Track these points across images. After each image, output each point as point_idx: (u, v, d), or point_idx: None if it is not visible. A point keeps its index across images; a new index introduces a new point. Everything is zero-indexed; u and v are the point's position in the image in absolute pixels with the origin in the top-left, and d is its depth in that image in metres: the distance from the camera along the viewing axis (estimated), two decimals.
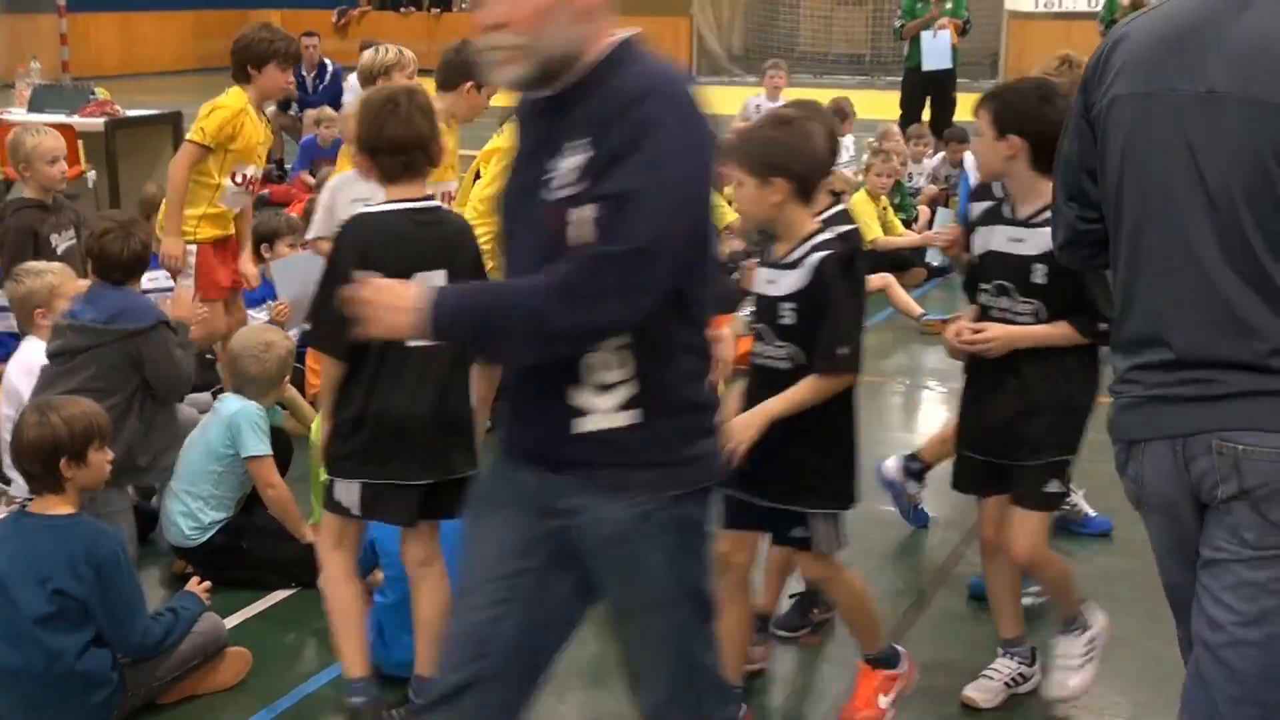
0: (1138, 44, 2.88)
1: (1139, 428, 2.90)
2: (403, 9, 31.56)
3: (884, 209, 10.64)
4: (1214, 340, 2.77)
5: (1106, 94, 2.91)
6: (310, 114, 13.63)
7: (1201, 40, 2.77)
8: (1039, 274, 4.22)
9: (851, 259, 4.06)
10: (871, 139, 12.09)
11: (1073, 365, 4.28)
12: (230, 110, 6.67)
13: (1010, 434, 4.33)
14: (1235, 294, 2.74)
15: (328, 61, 16.15)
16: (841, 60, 31.16)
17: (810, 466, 4.11)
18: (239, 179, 6.79)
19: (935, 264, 10.95)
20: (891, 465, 6.03)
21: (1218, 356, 2.77)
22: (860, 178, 10.95)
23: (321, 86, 15.75)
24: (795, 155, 3.99)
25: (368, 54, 6.44)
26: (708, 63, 31.40)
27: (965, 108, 16.32)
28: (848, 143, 12.75)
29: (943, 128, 14.05)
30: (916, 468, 5.97)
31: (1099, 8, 16.48)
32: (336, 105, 13.92)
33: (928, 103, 15.24)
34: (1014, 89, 4.37)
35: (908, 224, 11.28)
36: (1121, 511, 5.89)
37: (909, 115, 15.07)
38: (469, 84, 6.12)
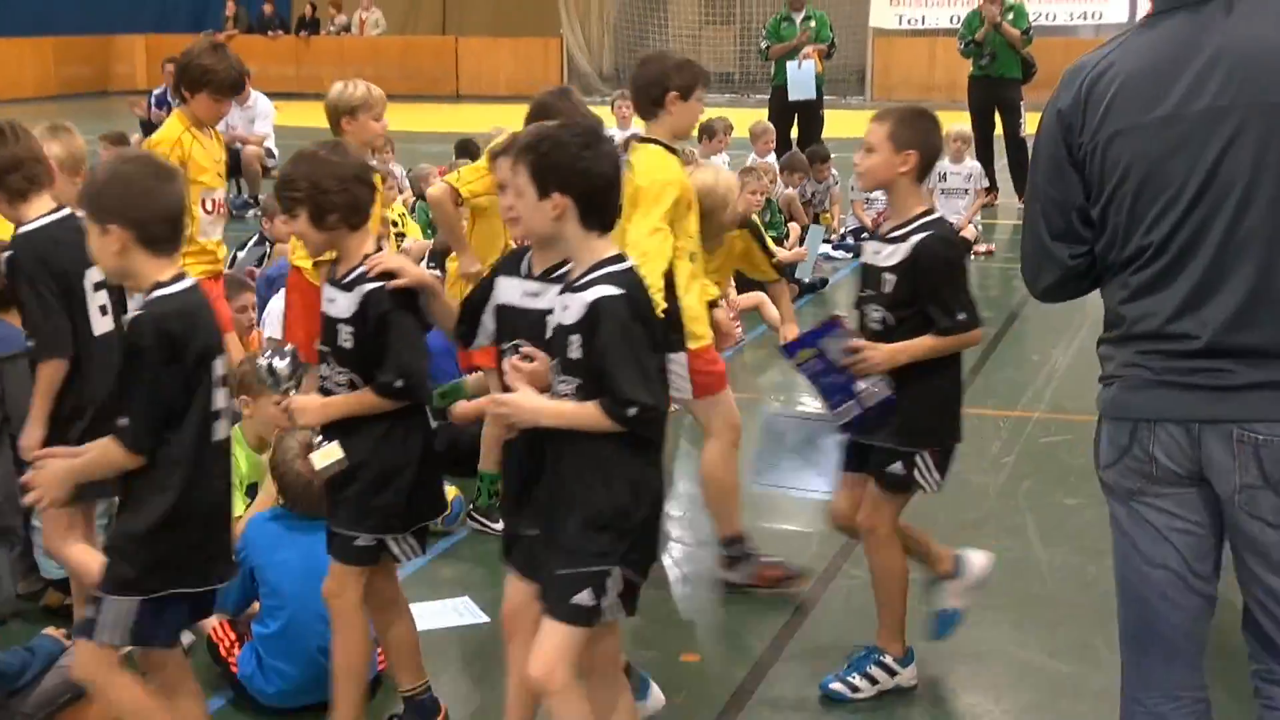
0: (1123, 80, 3.04)
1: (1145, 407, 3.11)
2: (271, 33, 31.27)
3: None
4: (1246, 333, 2.99)
5: (1097, 134, 3.06)
6: None
7: (1185, 61, 2.98)
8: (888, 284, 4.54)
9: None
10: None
11: (932, 361, 4.54)
12: (167, 142, 6.22)
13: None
14: (1270, 291, 2.98)
15: None
16: (711, 79, 31.37)
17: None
18: (208, 205, 6.32)
19: (806, 281, 11.08)
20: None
21: (1242, 346, 3.00)
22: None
23: None
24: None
25: (336, 86, 6.20)
26: (579, 83, 31.44)
27: (833, 126, 16.59)
28: (720, 160, 12.88)
29: (809, 145, 14.24)
30: None
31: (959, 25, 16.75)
32: None
33: (795, 120, 15.42)
34: (908, 111, 4.64)
35: (778, 241, 11.40)
36: (989, 524, 6.03)
37: (777, 134, 15.23)
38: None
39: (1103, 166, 3.08)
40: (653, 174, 5.15)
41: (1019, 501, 6.36)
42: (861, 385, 4.57)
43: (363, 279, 4.01)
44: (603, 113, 15.58)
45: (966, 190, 13.01)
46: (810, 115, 15.34)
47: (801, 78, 15.03)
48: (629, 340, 3.45)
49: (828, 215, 13.27)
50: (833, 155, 13.49)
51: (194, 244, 6.08)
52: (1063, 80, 3.15)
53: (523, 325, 3.80)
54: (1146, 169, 3.03)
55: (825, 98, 15.63)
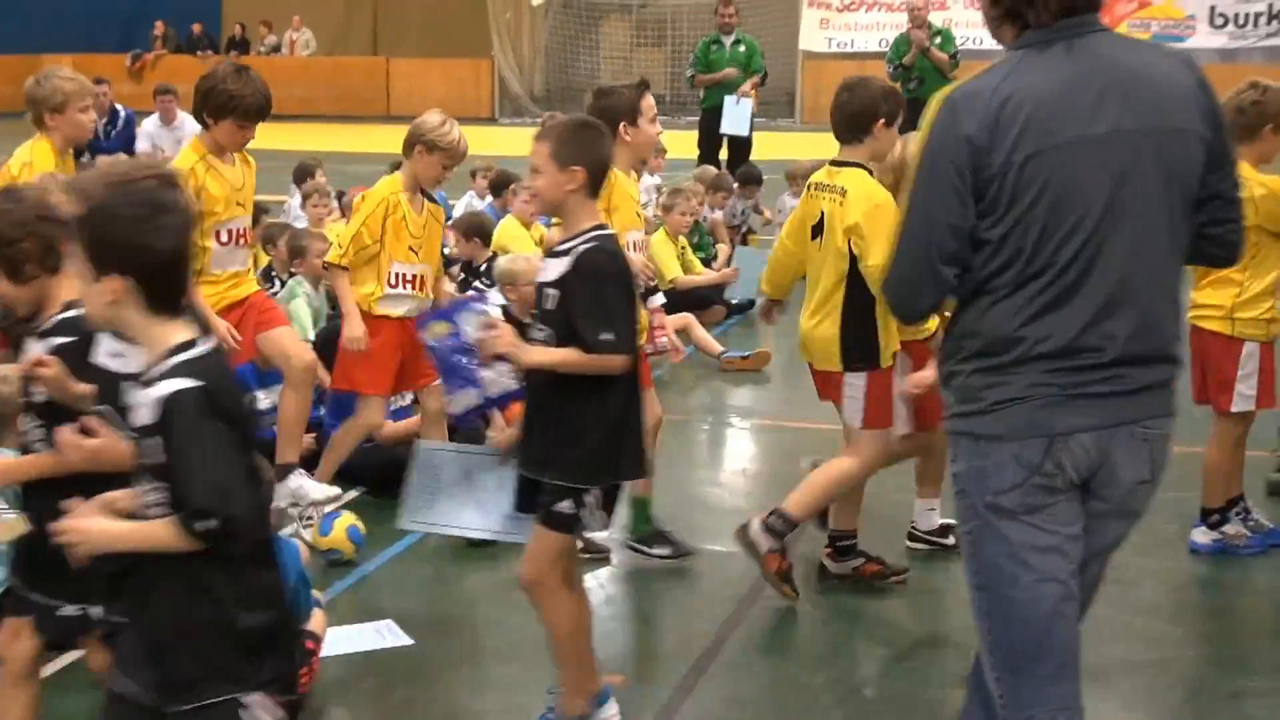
0: (1035, 105, 3.12)
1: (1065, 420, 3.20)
2: (200, 53, 31.08)
3: (683, 249, 10.79)
4: (1144, 340, 3.19)
5: (1012, 158, 3.12)
6: (104, 162, 13.34)
7: (1085, 88, 3.13)
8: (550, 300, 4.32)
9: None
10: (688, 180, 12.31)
11: (582, 390, 4.25)
12: (180, 173, 5.95)
13: (531, 447, 4.39)
14: (1163, 301, 3.23)
15: (120, 108, 15.81)
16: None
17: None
18: (224, 237, 6.08)
19: (734, 302, 11.14)
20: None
21: (1141, 353, 3.19)
22: (660, 216, 11.09)
23: (114, 133, 15.42)
24: None
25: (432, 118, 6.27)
26: (510, 104, 31.50)
27: (762, 149, 16.64)
28: (653, 182, 12.93)
29: (738, 167, 14.32)
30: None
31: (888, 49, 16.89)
32: (130, 152, 13.66)
33: (724, 142, 15.49)
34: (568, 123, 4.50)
35: (706, 263, 11.45)
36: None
37: (707, 155, 15.32)
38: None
39: (1015, 188, 3.14)
40: (873, 196, 5.38)
41: None
42: (488, 373, 4.37)
43: (60, 327, 3.70)
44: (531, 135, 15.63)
45: None
46: (739, 139, 15.42)
47: (738, 114, 15.09)
48: (204, 441, 2.94)
49: (755, 236, 13.33)
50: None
51: (209, 275, 6.02)
52: (957, 103, 3.17)
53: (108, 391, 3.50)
54: (1060, 189, 3.12)
55: (755, 119, 15.71)
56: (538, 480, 4.32)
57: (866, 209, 5.33)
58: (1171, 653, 5.33)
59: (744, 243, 12.86)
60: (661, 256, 10.48)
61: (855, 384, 5.50)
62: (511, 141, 16.79)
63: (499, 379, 4.39)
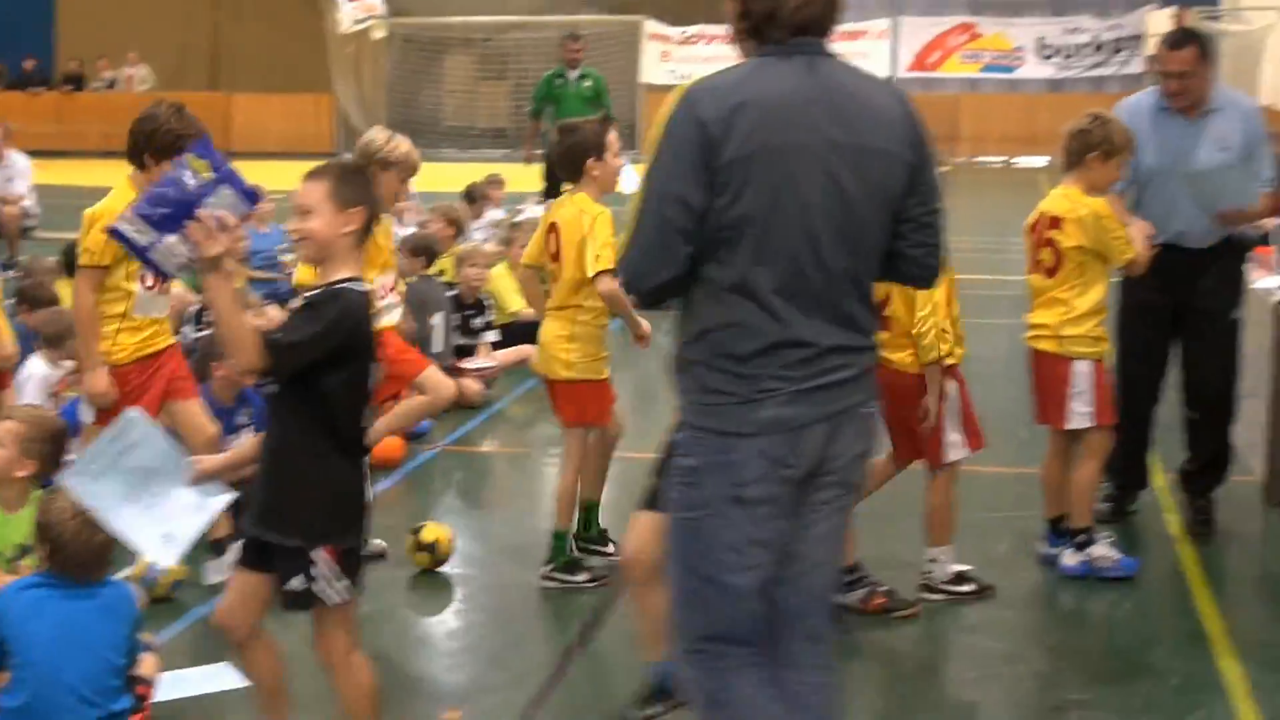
0: (765, 105, 3.40)
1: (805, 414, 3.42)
2: (32, 89, 30.45)
3: None
4: (849, 332, 3.48)
5: (744, 148, 3.36)
6: None
7: (809, 100, 3.41)
8: None
9: None
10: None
11: (307, 450, 4.08)
12: (110, 214, 5.49)
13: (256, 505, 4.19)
14: (859, 296, 3.51)
15: None
16: (486, 134, 31.52)
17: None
18: (149, 281, 5.85)
19: None
20: None
21: (849, 343, 3.48)
22: (502, 250, 11.12)
23: None
24: None
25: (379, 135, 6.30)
26: (352, 139, 31.16)
27: None
28: (495, 215, 12.96)
29: None
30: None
31: None
32: None
33: None
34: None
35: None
36: None
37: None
38: None
39: (743, 179, 3.38)
40: None
41: None
42: (173, 239, 3.92)
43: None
44: None
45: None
46: None
47: (630, 176, 15.15)
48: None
49: None
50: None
51: (128, 320, 5.86)
52: (696, 96, 3.40)
53: None
54: (776, 189, 3.39)
55: None
56: (265, 542, 4.10)
57: None
58: (996, 669, 5.44)
59: None
60: (503, 289, 10.51)
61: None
62: None
63: (177, 251, 3.93)
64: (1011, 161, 26.35)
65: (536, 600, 6.09)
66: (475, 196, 13.40)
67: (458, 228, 10.97)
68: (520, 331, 10.31)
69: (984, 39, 28.17)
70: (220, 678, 5.25)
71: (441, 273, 10.14)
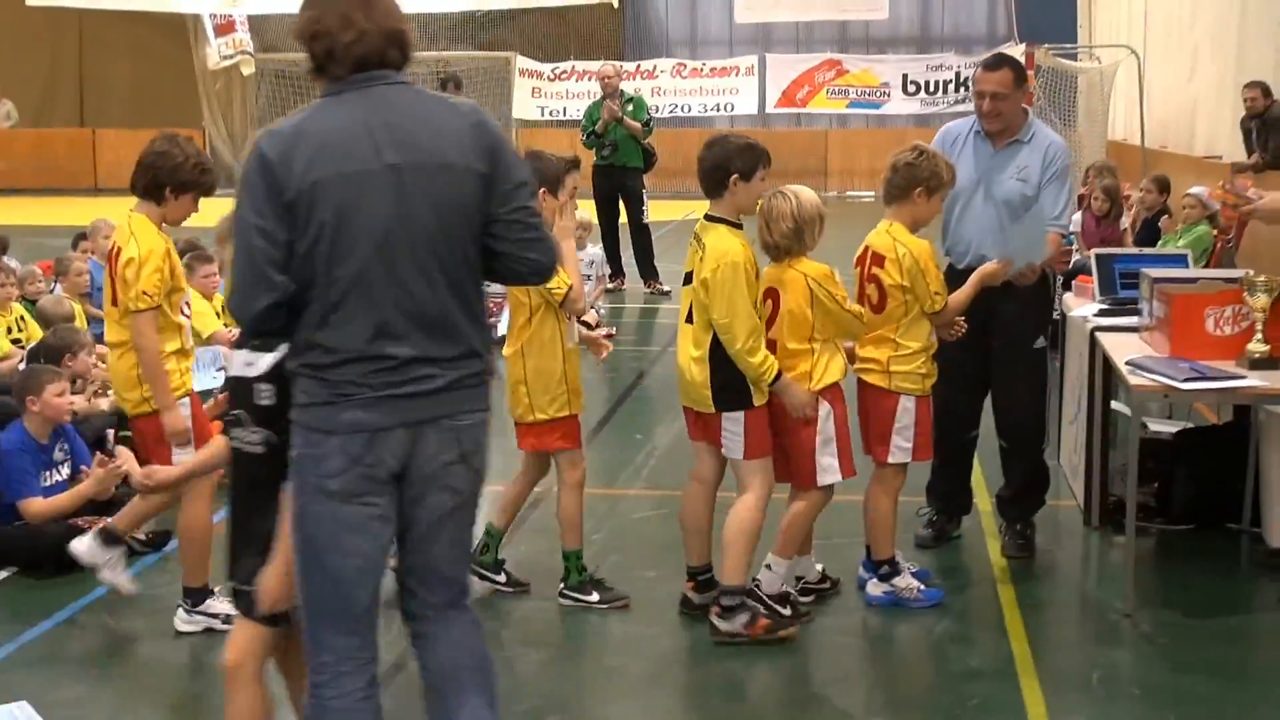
0: (321, 138, 3.72)
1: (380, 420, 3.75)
2: None
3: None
4: (438, 344, 3.78)
5: (305, 179, 3.68)
6: None
7: (371, 129, 3.73)
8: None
9: None
10: None
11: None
12: (158, 254, 5.78)
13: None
14: (452, 307, 3.80)
15: None
16: None
17: None
18: (186, 311, 6.08)
19: None
20: None
21: (439, 355, 3.78)
22: None
23: None
24: None
25: None
26: (223, 174, 30.91)
27: None
28: None
29: None
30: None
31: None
32: None
33: None
34: None
35: None
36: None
37: None
38: None
39: (309, 211, 3.68)
40: (725, 254, 5.66)
41: (601, 575, 6.51)
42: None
43: None
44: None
45: (589, 276, 13.30)
46: None
47: None
48: None
49: None
50: None
51: (183, 352, 5.96)
52: (263, 138, 3.75)
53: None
54: (345, 214, 3.70)
55: None
56: None
57: (713, 266, 5.65)
58: (804, 691, 5.53)
59: None
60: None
61: (734, 423, 5.77)
62: (226, 212, 16.42)
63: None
64: (880, 196, 26.60)
65: None
66: None
67: None
68: None
69: (851, 75, 28.53)
70: (18, 716, 5.17)
71: None
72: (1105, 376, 7.16)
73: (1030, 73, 20.74)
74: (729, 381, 5.75)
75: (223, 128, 31.24)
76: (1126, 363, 6.22)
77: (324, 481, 3.74)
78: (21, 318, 9.73)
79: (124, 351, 5.85)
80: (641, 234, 15.17)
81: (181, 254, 10.96)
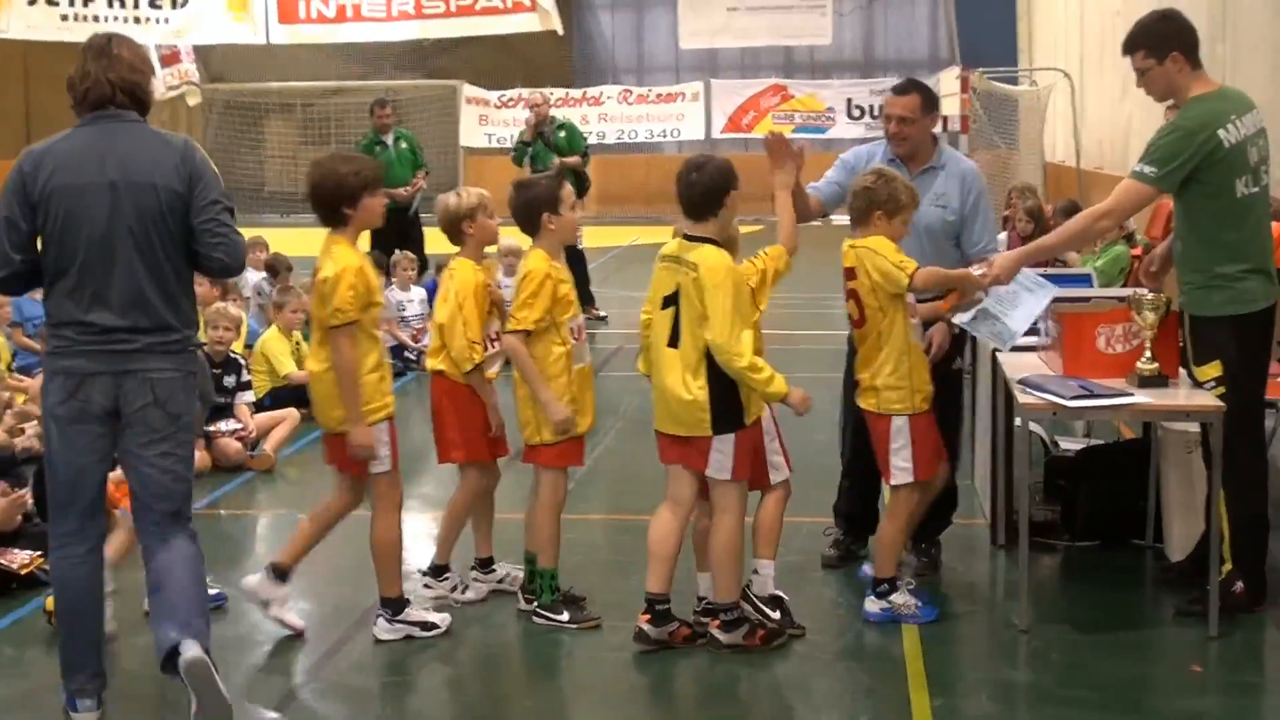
0: (61, 157, 5.13)
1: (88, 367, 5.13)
2: None
3: (297, 344, 10.78)
4: (137, 317, 5.13)
5: (46, 187, 5.09)
6: None
7: (101, 153, 5.12)
8: None
9: None
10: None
11: None
12: (352, 270, 5.92)
13: None
14: (150, 292, 5.14)
15: None
16: (309, 199, 31.29)
17: None
18: (381, 327, 6.29)
19: None
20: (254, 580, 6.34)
21: (137, 325, 5.13)
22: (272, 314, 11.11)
23: None
24: None
25: (448, 199, 6.53)
26: None
27: (431, 241, 16.92)
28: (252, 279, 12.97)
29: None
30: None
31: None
32: None
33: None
34: None
35: None
36: None
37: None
38: None
39: (47, 210, 5.11)
40: (718, 271, 5.80)
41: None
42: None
43: None
44: None
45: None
46: (409, 229, 15.40)
47: None
48: None
49: None
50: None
51: (382, 368, 6.12)
52: (23, 154, 5.13)
53: None
54: (71, 217, 5.09)
55: (422, 215, 15.70)
56: None
57: (710, 284, 5.75)
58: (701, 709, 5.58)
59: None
60: (275, 353, 10.50)
61: (725, 444, 5.86)
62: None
63: None
64: (829, 219, 26.76)
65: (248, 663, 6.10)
66: (279, 268, 13.34)
67: (223, 289, 10.95)
68: (290, 396, 10.30)
69: (796, 100, 28.76)
70: None
71: None
72: (1008, 396, 7.24)
73: (965, 95, 20.94)
74: (729, 404, 5.83)
75: None
76: (1018, 381, 6.31)
77: (53, 408, 5.17)
78: None
79: (327, 369, 6.00)
80: (577, 260, 15.21)
81: None
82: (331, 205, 5.98)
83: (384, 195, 6.21)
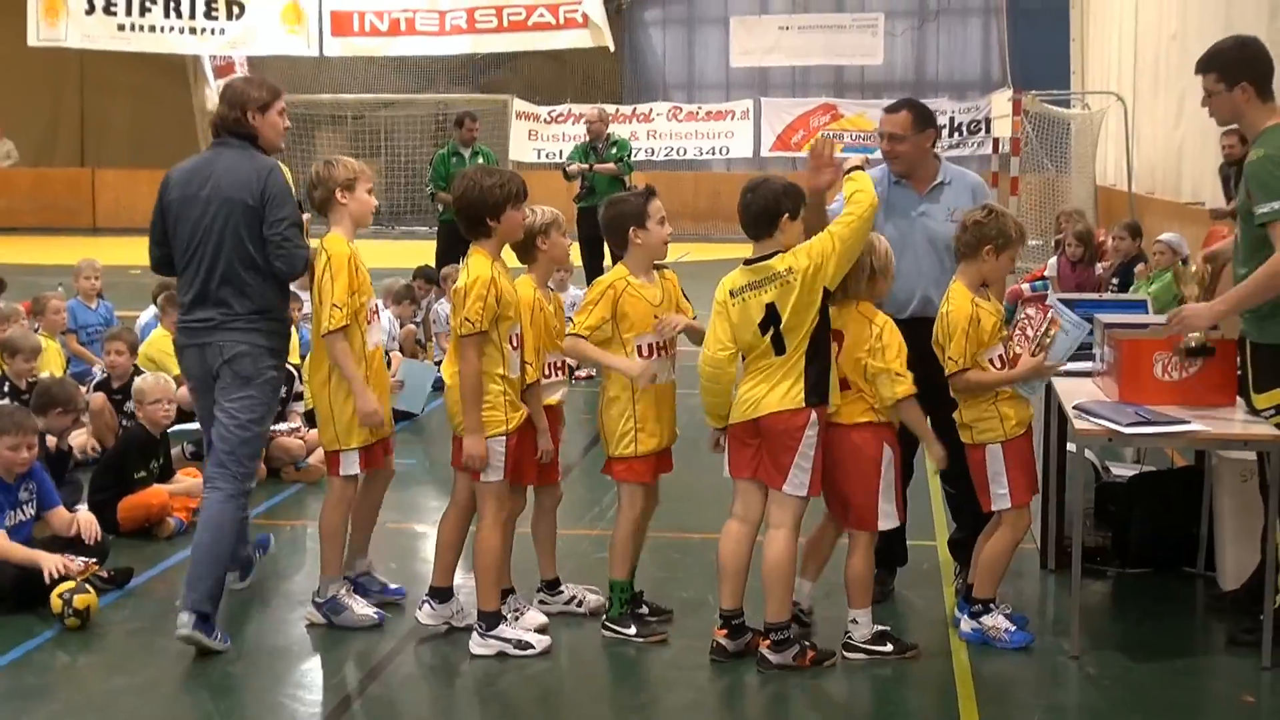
0: (179, 174, 6.48)
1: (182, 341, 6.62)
2: None
3: None
4: (212, 305, 6.39)
5: (166, 198, 6.44)
6: None
7: (204, 174, 6.39)
8: None
9: None
10: None
11: None
12: (483, 282, 6.04)
13: None
14: (222, 284, 6.33)
15: None
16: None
17: None
18: (513, 342, 6.23)
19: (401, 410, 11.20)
20: None
21: (212, 311, 6.38)
22: None
23: None
24: None
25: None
26: None
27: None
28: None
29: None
30: None
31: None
32: None
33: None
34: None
35: None
36: None
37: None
38: None
39: (167, 216, 6.44)
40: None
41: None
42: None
43: None
44: None
45: (571, 318, 13.32)
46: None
47: None
48: None
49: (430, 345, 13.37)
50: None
51: (508, 379, 6.16)
52: (170, 171, 6.51)
53: None
54: (178, 221, 6.38)
55: None
56: None
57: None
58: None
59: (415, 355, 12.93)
60: None
61: (806, 460, 5.89)
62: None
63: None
64: None
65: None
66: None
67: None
68: None
69: (846, 119, 28.77)
70: None
71: None
72: (1061, 421, 7.22)
73: (1017, 118, 20.88)
74: (819, 381, 5.93)
75: None
76: (1074, 407, 6.29)
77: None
78: None
79: (455, 375, 6.17)
80: None
81: (156, 294, 11.31)
82: (476, 217, 6.12)
83: (522, 211, 6.26)
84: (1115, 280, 12.13)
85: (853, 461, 6.02)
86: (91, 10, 28.71)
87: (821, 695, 5.88)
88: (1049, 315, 6.22)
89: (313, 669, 6.18)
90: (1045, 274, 12.57)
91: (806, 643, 6.06)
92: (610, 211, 6.39)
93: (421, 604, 6.43)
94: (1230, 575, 6.83)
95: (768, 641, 5.99)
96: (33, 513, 7.03)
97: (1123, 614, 6.83)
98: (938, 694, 5.86)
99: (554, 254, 6.57)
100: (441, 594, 6.41)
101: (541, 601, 6.69)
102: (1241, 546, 6.75)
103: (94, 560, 6.86)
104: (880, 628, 6.19)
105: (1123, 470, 8.35)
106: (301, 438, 9.50)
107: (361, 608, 6.50)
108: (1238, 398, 6.38)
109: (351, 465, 6.48)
